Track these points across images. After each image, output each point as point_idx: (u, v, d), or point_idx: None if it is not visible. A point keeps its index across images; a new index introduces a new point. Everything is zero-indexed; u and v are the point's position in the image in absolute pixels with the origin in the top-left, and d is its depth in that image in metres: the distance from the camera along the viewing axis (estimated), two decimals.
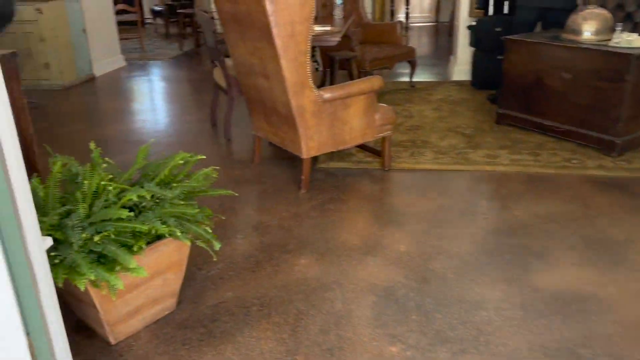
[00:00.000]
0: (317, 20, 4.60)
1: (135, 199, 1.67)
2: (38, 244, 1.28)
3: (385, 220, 2.73)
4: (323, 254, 2.41)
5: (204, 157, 2.00)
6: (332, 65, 4.71)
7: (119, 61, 6.75)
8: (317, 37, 3.59)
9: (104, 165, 1.78)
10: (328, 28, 3.76)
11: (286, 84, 2.78)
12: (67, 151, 3.85)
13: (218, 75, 4.03)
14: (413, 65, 5.31)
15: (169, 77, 6.45)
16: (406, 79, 5.57)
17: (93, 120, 4.66)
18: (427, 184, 3.15)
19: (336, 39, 3.58)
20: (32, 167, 2.04)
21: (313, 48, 4.80)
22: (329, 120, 2.98)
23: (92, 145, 1.85)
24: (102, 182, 1.71)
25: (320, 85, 5.09)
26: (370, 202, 2.94)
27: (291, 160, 3.43)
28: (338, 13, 4.55)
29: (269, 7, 2.58)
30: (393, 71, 5.85)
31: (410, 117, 4.40)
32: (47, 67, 5.56)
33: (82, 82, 5.91)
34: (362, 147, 3.52)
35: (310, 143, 2.97)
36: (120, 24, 8.07)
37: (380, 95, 4.91)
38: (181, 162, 1.88)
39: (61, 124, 4.48)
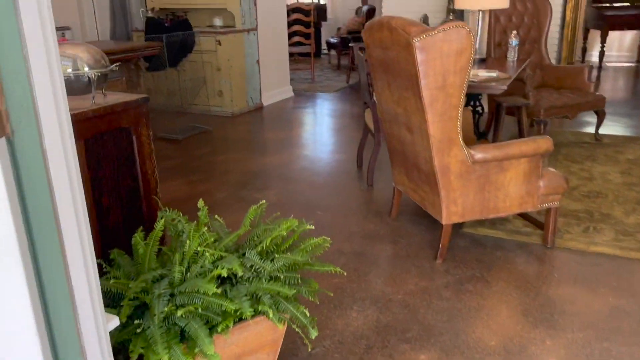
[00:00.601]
0: (487, 62, 4.16)
1: (224, 274, 1.50)
2: (97, 325, 1.16)
3: (537, 317, 2.21)
4: (449, 352, 2.00)
5: (312, 227, 1.77)
6: (498, 110, 4.21)
7: (287, 91, 7.00)
8: (479, 84, 3.18)
9: (205, 228, 1.65)
10: (495, 74, 3.32)
11: (430, 140, 2.44)
12: (215, 180, 4.00)
13: (368, 118, 3.83)
14: (601, 116, 4.53)
15: (331, 110, 6.47)
16: (591, 130, 4.78)
17: (250, 149, 4.80)
18: (601, 274, 2.53)
19: (502, 87, 3.13)
20: (153, 214, 2.02)
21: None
22: (478, 183, 2.55)
23: (200, 203, 1.74)
24: (199, 248, 1.58)
25: (484, 132, 4.60)
26: (520, 288, 2.43)
27: (433, 219, 3.05)
28: (512, 55, 4.05)
29: (419, 56, 2.29)
30: (576, 119, 5.07)
31: (589, 179, 3.69)
32: (220, 94, 5.95)
33: (250, 111, 6.21)
34: (521, 214, 3.00)
35: (453, 208, 2.58)
36: (294, 54, 8.46)
37: (556, 147, 4.25)
38: (284, 233, 1.67)
39: (220, 151, 4.69)
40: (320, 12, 11.19)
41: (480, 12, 3.91)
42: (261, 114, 6.15)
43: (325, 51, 11.01)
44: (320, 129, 5.71)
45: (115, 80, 4.56)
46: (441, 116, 2.40)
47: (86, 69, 1.81)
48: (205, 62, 5.83)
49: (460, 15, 5.85)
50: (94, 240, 1.87)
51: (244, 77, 6.08)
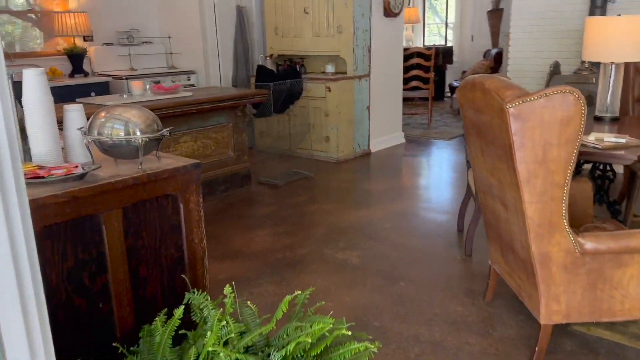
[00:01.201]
0: (621, 122, 3.56)
1: None
2: None
3: None
4: None
5: (349, 332, 1.49)
6: (633, 179, 3.55)
7: (398, 138, 6.74)
8: (603, 152, 2.67)
9: (222, 323, 1.45)
10: (624, 140, 2.77)
11: (527, 222, 2.04)
12: (301, 234, 3.84)
13: (471, 177, 3.44)
14: None
15: (442, 160, 6.08)
16: None
17: (345, 200, 4.60)
18: None
19: (632, 157, 2.59)
20: (197, 285, 1.89)
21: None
22: (589, 279, 2.07)
23: (227, 289, 1.56)
24: (211, 348, 1.38)
25: (616, 201, 3.92)
26: None
27: None
28: None
29: (513, 124, 1.93)
30: None
31: None
32: (326, 140, 5.87)
33: (355, 157, 6.05)
34: None
35: (554, 306, 2.11)
36: (413, 98, 8.20)
37: None
38: (309, 339, 1.41)
39: (315, 200, 4.55)
40: (447, 55, 10.86)
41: (613, 65, 3.37)
42: (367, 162, 5.95)
43: (448, 94, 10.62)
44: (425, 182, 5.34)
45: (222, 125, 4.68)
46: (541, 196, 2.00)
47: (137, 133, 1.75)
48: (315, 107, 5.81)
49: (596, 65, 5.19)
50: (126, 312, 1.78)
51: (352, 123, 5.96)
